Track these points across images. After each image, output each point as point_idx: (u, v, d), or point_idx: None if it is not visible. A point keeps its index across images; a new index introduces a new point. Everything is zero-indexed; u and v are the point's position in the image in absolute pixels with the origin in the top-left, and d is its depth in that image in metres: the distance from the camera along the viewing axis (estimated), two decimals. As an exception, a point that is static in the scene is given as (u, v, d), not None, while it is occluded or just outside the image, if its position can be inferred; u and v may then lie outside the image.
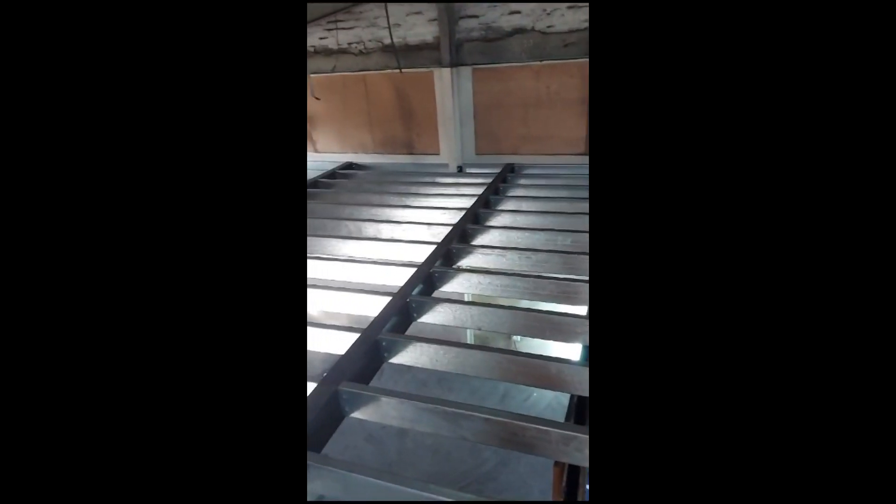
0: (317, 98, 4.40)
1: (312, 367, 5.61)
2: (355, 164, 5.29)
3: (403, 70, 4.63)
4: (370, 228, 3.39)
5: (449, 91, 4.54)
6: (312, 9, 4.56)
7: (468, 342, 5.60)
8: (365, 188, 4.38)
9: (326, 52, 4.90)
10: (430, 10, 4.45)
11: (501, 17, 4.29)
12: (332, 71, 4.92)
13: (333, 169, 5.04)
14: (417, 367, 1.94)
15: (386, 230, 3.36)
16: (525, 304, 2.61)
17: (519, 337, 5.93)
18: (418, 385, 5.53)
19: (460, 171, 4.83)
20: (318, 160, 5.41)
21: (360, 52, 4.83)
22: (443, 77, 4.55)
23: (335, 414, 1.59)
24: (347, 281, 2.74)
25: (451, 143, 4.80)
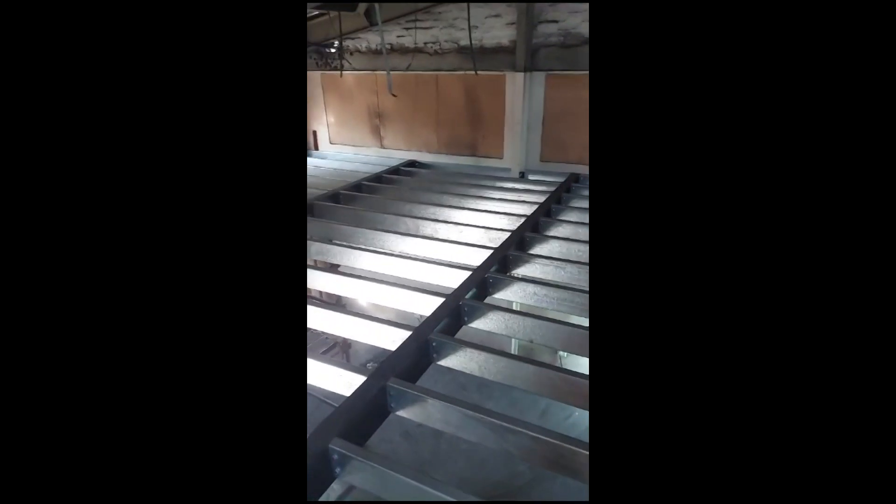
0: (394, 95, 4.48)
1: (357, 356, 5.75)
2: (418, 162, 5.35)
3: (477, 73, 4.62)
4: (427, 227, 3.40)
5: (520, 95, 4.48)
6: (393, 7, 4.66)
7: (512, 352, 5.50)
8: (426, 187, 4.41)
9: (403, 51, 4.98)
10: (510, 14, 4.41)
11: (582, 24, 4.17)
12: (407, 69, 5.00)
13: (397, 165, 5.12)
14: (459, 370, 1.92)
15: (443, 230, 3.36)
16: (574, 319, 2.50)
17: (565, 353, 5.75)
18: (458, 388, 5.50)
19: (522, 176, 4.75)
20: (384, 156, 5.53)
21: (435, 52, 4.87)
22: (515, 81, 4.50)
23: (381, 409, 1.59)
24: (400, 277, 2.76)
25: (516, 147, 4.73)
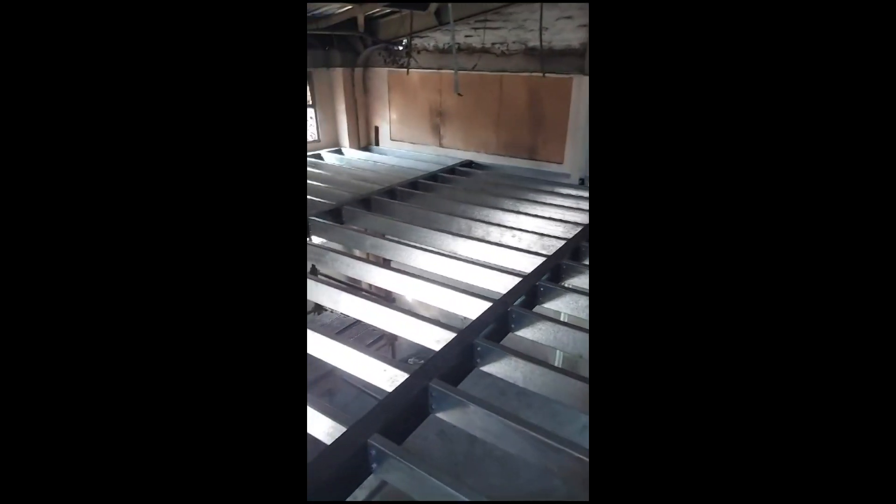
0: (460, 94, 4.48)
1: (401, 350, 5.78)
2: (475, 162, 5.32)
3: (545, 75, 4.53)
4: (480, 229, 3.37)
5: (586, 100, 4.33)
6: (464, 6, 4.66)
7: (556, 364, 5.36)
8: (481, 188, 4.38)
9: (470, 50, 4.97)
10: (582, 16, 4.28)
11: (659, 28, 3.97)
12: (473, 69, 4.98)
13: (454, 165, 5.13)
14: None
15: (495, 233, 3.31)
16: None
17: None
18: (497, 392, 5.42)
19: (582, 183, 4.60)
20: (441, 155, 5.55)
21: (502, 53, 4.83)
22: (582, 85, 4.36)
23: (421, 409, 1.59)
24: (449, 277, 2.75)
25: (577, 153, 4.59)
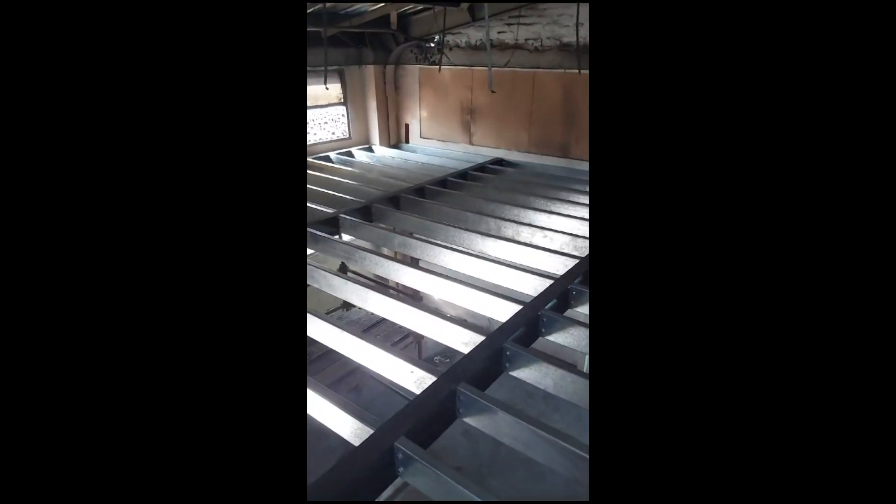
0: (493, 91, 4.43)
1: (426, 348, 5.75)
2: (506, 160, 5.26)
3: (580, 71, 4.42)
4: (510, 229, 3.31)
5: (622, 97, 4.20)
6: (498, 3, 4.59)
7: (584, 369, 5.24)
8: (512, 187, 4.31)
9: (502, 47, 4.90)
10: (619, 10, 4.14)
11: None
12: (505, 66, 4.91)
13: (484, 163, 5.08)
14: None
15: (526, 233, 3.25)
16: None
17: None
18: (524, 395, 5.36)
19: (616, 184, 4.47)
20: (471, 152, 5.50)
21: (535, 50, 4.73)
22: (618, 82, 4.23)
23: (449, 413, 1.56)
24: (477, 278, 2.72)
25: (611, 153, 4.45)
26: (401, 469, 1.35)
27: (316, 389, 1.64)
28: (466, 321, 2.09)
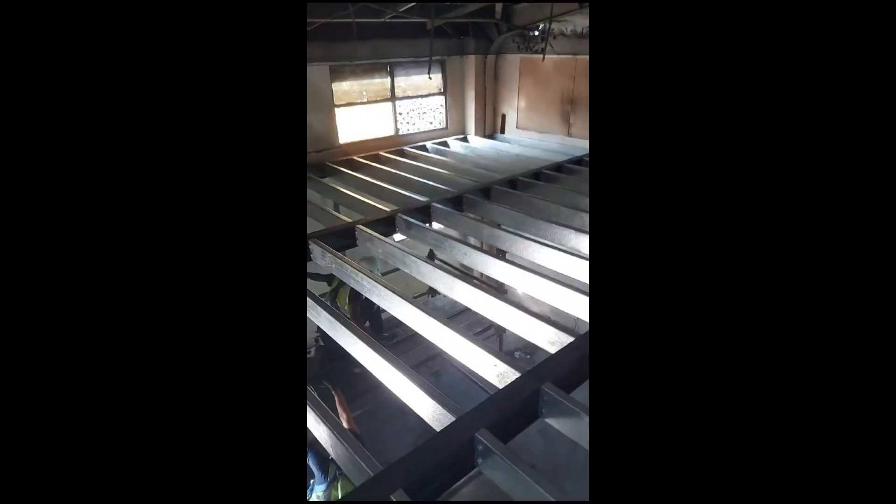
0: None
1: (507, 342, 5.68)
2: (605, 155, 4.98)
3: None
4: (607, 227, 3.14)
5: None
6: None
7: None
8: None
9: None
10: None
11: None
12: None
13: (581, 156, 4.86)
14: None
15: (624, 233, 3.06)
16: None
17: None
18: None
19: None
20: (569, 145, 5.30)
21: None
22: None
23: (531, 412, 1.53)
24: (565, 275, 2.61)
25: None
26: (479, 460, 1.36)
27: (400, 369, 1.70)
28: (551, 319, 2.03)
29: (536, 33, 5.18)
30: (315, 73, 4.61)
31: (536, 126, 5.66)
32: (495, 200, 3.69)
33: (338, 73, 4.85)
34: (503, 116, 6.00)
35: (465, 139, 5.95)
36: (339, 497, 2.77)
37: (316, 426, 1.58)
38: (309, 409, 1.61)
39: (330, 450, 1.54)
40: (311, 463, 2.90)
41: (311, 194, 4.30)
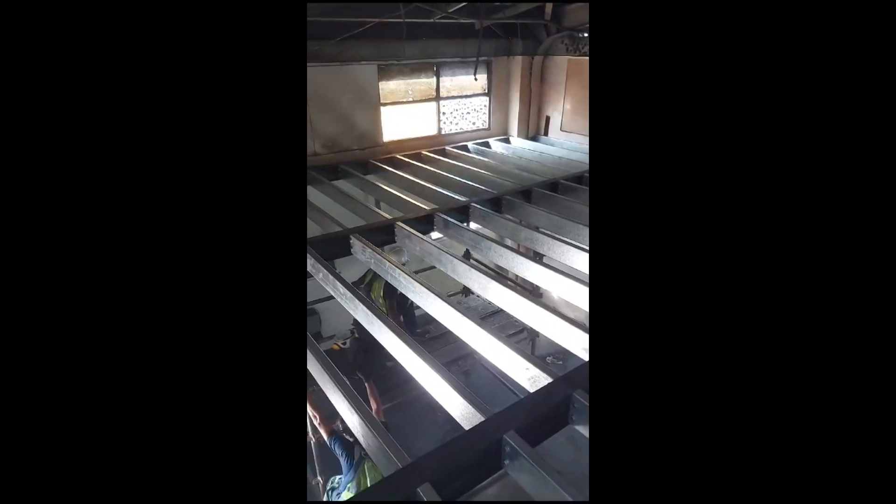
0: None
1: (540, 347, 5.61)
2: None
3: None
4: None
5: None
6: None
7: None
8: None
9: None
10: None
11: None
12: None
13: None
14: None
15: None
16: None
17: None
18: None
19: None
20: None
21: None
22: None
23: (561, 418, 1.53)
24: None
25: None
26: (506, 462, 1.37)
27: (432, 366, 1.73)
28: (586, 325, 2.00)
29: (586, 35, 5.09)
30: (363, 71, 4.72)
31: (581, 129, 5.56)
32: (535, 203, 3.66)
33: (385, 73, 4.95)
34: (547, 118, 5.92)
35: (507, 140, 5.92)
36: (367, 479, 2.84)
37: (349, 415, 1.63)
38: (342, 399, 1.66)
39: (361, 439, 1.59)
40: (336, 450, 3.00)
41: (354, 191, 4.41)
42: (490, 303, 2.59)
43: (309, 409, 3.23)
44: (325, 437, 3.10)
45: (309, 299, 4.38)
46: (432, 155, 5.18)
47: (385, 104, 5.08)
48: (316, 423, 3.18)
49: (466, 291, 5.85)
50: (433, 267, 2.96)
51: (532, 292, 5.09)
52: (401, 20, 4.19)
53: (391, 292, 4.42)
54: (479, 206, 3.43)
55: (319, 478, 3.42)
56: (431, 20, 4.48)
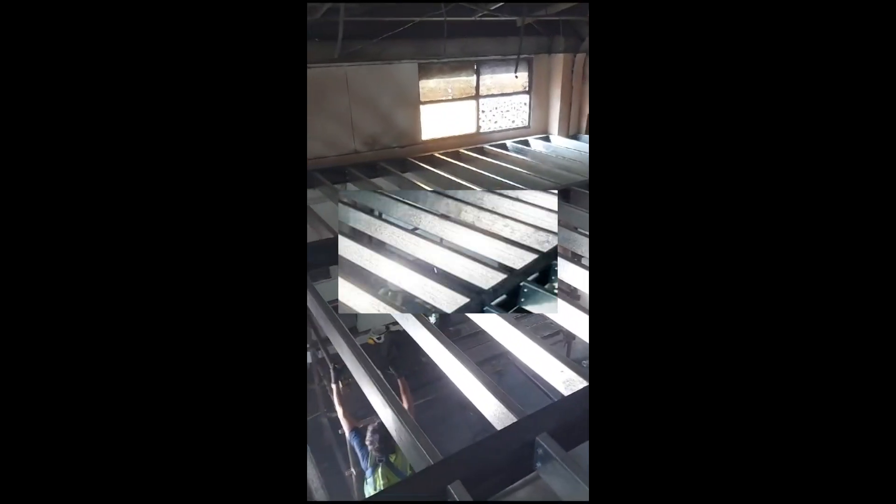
0: None
1: (576, 351, 5.52)
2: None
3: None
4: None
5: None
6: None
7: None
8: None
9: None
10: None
11: None
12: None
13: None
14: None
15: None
16: None
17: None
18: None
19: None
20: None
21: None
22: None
23: (595, 423, 1.49)
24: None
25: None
26: (538, 464, 1.35)
27: (466, 364, 1.73)
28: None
29: (632, 31, 4.93)
30: (403, 70, 4.77)
31: (624, 128, 5.40)
32: (574, 202, 3.59)
33: (425, 71, 4.98)
34: (588, 117, 5.79)
35: (546, 138, 5.83)
36: (381, 484, 2.89)
37: (382, 409, 1.65)
38: (376, 392, 1.69)
39: (393, 433, 1.61)
40: (355, 444, 3.09)
41: (393, 189, 4.47)
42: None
43: (335, 402, 3.32)
44: (346, 430, 3.20)
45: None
46: (470, 153, 5.17)
47: (424, 102, 5.11)
48: (339, 414, 3.27)
49: (501, 291, 5.80)
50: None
51: (569, 293, 4.99)
52: (442, 19, 4.20)
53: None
54: (516, 206, 3.39)
55: (353, 469, 3.49)
56: (473, 18, 4.47)
